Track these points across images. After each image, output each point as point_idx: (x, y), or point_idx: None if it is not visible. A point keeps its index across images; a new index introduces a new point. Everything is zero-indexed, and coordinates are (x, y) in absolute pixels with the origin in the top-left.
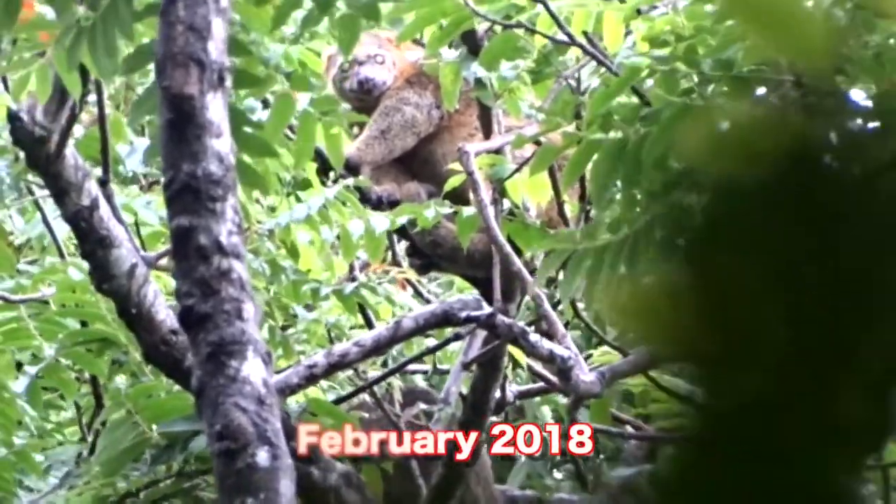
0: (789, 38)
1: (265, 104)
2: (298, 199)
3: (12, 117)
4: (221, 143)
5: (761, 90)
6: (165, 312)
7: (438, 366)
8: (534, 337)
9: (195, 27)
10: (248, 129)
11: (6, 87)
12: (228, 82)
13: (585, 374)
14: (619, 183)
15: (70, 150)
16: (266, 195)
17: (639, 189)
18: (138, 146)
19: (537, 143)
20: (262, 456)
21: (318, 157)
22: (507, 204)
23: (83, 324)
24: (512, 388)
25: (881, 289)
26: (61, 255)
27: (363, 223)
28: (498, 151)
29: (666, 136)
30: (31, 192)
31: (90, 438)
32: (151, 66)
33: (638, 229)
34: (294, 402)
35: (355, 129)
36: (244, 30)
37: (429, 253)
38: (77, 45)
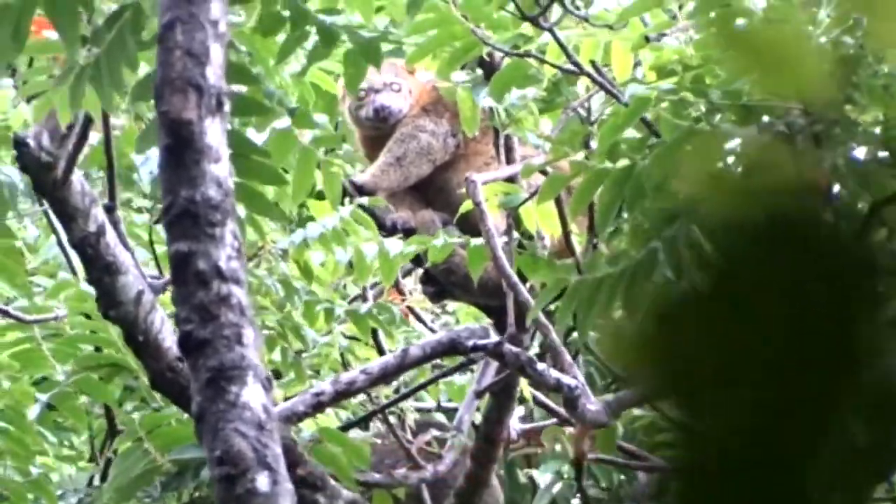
0: (789, 75)
1: None
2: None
3: (19, 143)
4: (220, 168)
5: (769, 119)
6: (172, 339)
7: (443, 404)
8: (541, 366)
9: (193, 52)
10: (255, 157)
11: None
12: (227, 107)
13: (592, 404)
14: (625, 213)
15: (76, 177)
16: (275, 221)
17: (640, 216)
18: (151, 155)
19: (544, 172)
20: (263, 481)
21: None
22: (519, 234)
23: (97, 349)
24: (516, 427)
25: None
26: (75, 276)
27: (377, 245)
28: (510, 180)
29: (668, 159)
30: (41, 203)
31: (101, 464)
32: None
33: (637, 263)
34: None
35: (359, 148)
36: (252, 61)
37: (442, 281)
38: (79, 84)
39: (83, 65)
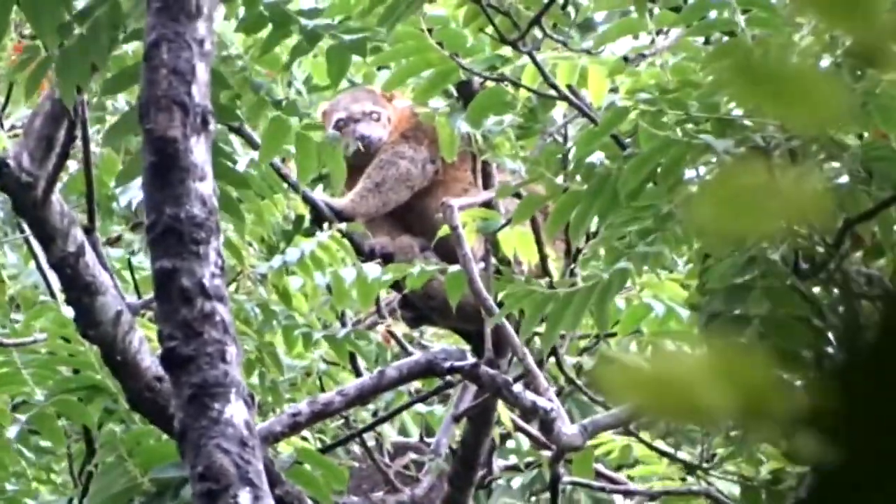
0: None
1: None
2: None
3: None
4: (205, 186)
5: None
6: (150, 359)
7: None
8: (517, 388)
9: (179, 71)
10: (222, 160)
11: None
12: (212, 126)
13: (567, 427)
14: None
15: (56, 197)
16: (242, 234)
17: (613, 229)
18: (132, 184)
19: (519, 196)
20: (245, 497)
21: (312, 207)
22: (497, 260)
23: (75, 371)
24: (498, 463)
25: None
26: (54, 300)
27: (356, 270)
28: (487, 205)
29: (643, 168)
30: (21, 231)
31: (80, 487)
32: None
33: (609, 279)
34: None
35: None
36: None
37: (420, 306)
38: (39, 72)
39: (48, 54)
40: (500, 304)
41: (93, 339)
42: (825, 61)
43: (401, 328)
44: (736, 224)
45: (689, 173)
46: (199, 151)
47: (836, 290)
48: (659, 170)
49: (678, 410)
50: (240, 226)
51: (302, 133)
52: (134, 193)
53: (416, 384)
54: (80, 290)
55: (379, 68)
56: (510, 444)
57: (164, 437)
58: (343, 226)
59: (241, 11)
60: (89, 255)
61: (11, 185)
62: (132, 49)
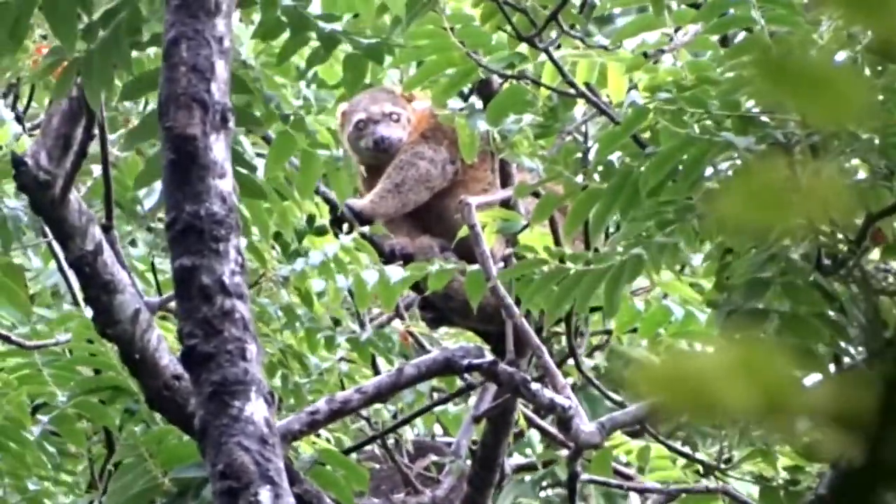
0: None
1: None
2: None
3: (16, 162)
4: (224, 184)
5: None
6: (168, 358)
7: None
8: (535, 386)
9: (198, 68)
10: (241, 169)
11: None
12: (231, 123)
13: (585, 425)
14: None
15: (74, 195)
16: (268, 238)
17: (634, 222)
18: (156, 187)
19: (537, 194)
20: (265, 495)
21: (332, 207)
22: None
23: (96, 371)
24: (510, 462)
25: None
26: (75, 302)
27: (378, 272)
28: (509, 205)
29: (665, 165)
30: (45, 235)
31: (101, 489)
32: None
33: (621, 264)
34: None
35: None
36: (249, 67)
37: (440, 306)
38: (68, 75)
39: (74, 57)
40: (518, 302)
41: (111, 337)
42: (844, 57)
43: (419, 328)
44: (758, 219)
45: (708, 170)
46: (218, 149)
47: (854, 287)
48: (680, 167)
49: (698, 407)
50: (264, 227)
51: (307, 151)
52: (158, 196)
53: (432, 383)
54: (98, 289)
55: (390, 67)
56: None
57: (185, 437)
58: (366, 228)
59: (256, 18)
60: (107, 254)
61: (29, 184)
62: (152, 54)
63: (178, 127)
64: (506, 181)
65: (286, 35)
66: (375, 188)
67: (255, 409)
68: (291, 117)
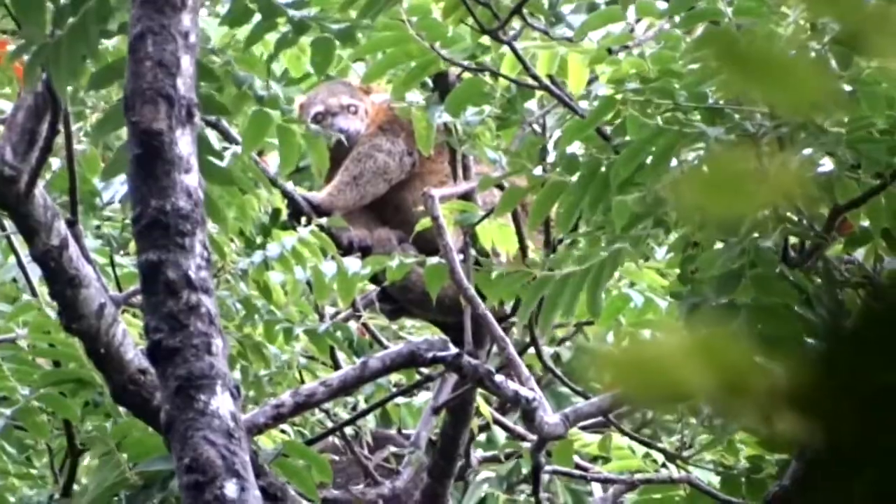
0: (773, 82)
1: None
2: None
3: None
4: (190, 178)
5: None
6: (134, 352)
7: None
8: (498, 378)
9: (164, 63)
10: (209, 157)
11: None
12: (197, 118)
13: (549, 416)
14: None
15: (39, 190)
16: (227, 232)
17: (603, 215)
18: (114, 179)
19: (500, 187)
20: (231, 488)
21: (289, 201)
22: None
23: (56, 364)
24: (476, 454)
25: None
26: (34, 296)
27: (336, 264)
28: (467, 197)
29: (635, 158)
30: (3, 228)
31: (62, 481)
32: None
33: (601, 262)
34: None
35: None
36: (218, 52)
37: (399, 298)
38: (34, 62)
39: (41, 44)
40: (480, 294)
41: (76, 332)
42: (812, 49)
43: (378, 321)
44: (724, 208)
45: (673, 162)
46: (184, 144)
47: (819, 279)
48: (650, 159)
49: (658, 392)
50: (223, 221)
51: (284, 126)
52: (116, 189)
53: (394, 376)
54: (63, 283)
55: (354, 61)
56: (481, 437)
57: (151, 429)
58: (324, 221)
59: (222, 11)
60: (73, 248)
61: None
62: (113, 45)
63: (143, 122)
64: (465, 173)
65: (254, 23)
66: (333, 181)
67: (221, 403)
68: (265, 98)
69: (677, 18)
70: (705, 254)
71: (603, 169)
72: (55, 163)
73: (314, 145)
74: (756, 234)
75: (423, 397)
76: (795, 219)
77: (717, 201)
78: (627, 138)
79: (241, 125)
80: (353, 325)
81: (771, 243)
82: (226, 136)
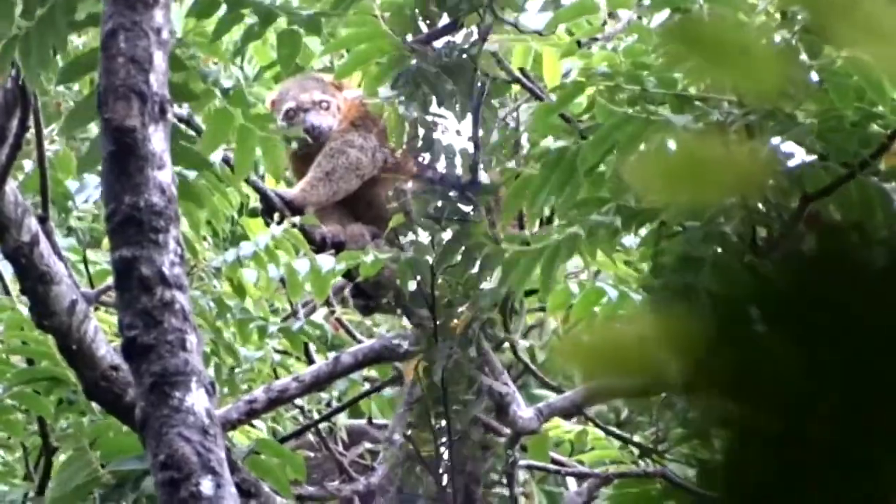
0: (739, 69)
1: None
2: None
3: None
4: (164, 175)
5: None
6: (106, 349)
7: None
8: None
9: (136, 59)
10: (182, 143)
11: None
12: (170, 114)
13: (523, 411)
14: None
15: (9, 187)
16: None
17: (568, 198)
18: (88, 182)
19: None
20: (207, 485)
21: (262, 197)
22: None
23: (30, 362)
24: None
25: None
26: (7, 294)
27: (309, 262)
28: None
29: (602, 145)
30: None
31: (37, 478)
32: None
33: (558, 243)
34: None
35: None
36: (184, 45)
37: (372, 294)
38: (6, 54)
39: (12, 36)
40: None
41: (48, 328)
42: (781, 38)
43: (352, 316)
44: (688, 194)
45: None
46: (157, 140)
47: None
48: (616, 146)
49: (626, 375)
50: (195, 219)
51: (244, 126)
52: (91, 192)
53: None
54: (34, 280)
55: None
56: None
57: (125, 428)
58: (297, 219)
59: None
60: (44, 245)
61: None
62: (83, 42)
63: (116, 118)
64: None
65: (220, 14)
66: (306, 177)
67: (196, 399)
68: (230, 92)
69: (646, 2)
70: (672, 240)
71: (570, 154)
72: (27, 165)
73: (269, 150)
74: (721, 220)
75: (394, 388)
76: (762, 208)
77: (680, 187)
78: (596, 122)
79: (205, 122)
80: (320, 318)
81: (732, 229)
82: (198, 132)
